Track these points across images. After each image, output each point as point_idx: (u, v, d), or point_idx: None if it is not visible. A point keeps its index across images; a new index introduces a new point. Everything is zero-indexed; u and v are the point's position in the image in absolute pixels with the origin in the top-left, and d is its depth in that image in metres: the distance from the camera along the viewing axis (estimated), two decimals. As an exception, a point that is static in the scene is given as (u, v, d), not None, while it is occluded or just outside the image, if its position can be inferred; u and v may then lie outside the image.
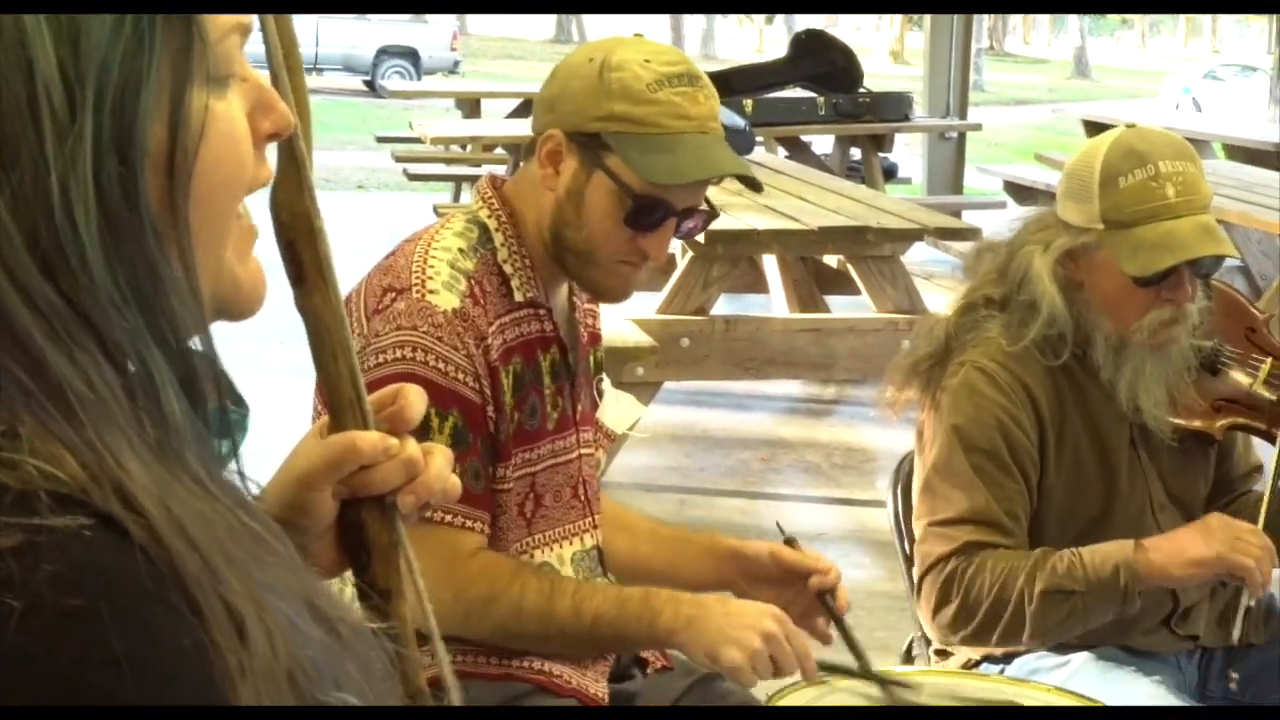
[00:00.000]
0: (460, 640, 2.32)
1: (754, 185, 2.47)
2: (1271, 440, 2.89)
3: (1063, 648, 2.77)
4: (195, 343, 0.89)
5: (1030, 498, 2.74)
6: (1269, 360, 2.91)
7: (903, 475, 3.03)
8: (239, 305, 0.97)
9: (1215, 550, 2.61)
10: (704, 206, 2.44)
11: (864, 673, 2.31)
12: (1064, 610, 2.64)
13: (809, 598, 2.44)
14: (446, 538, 2.26)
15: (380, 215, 12.06)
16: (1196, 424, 2.87)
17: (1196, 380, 2.85)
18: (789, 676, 2.25)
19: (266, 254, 1.00)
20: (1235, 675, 2.87)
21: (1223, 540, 2.62)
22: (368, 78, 29.26)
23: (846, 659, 2.31)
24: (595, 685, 2.44)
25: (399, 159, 12.53)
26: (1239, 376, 2.91)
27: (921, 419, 2.85)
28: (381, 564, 1.11)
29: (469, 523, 2.30)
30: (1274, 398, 2.89)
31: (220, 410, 0.91)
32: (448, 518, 2.27)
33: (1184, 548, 2.64)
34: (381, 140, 14.34)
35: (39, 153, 0.82)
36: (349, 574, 1.15)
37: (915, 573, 2.79)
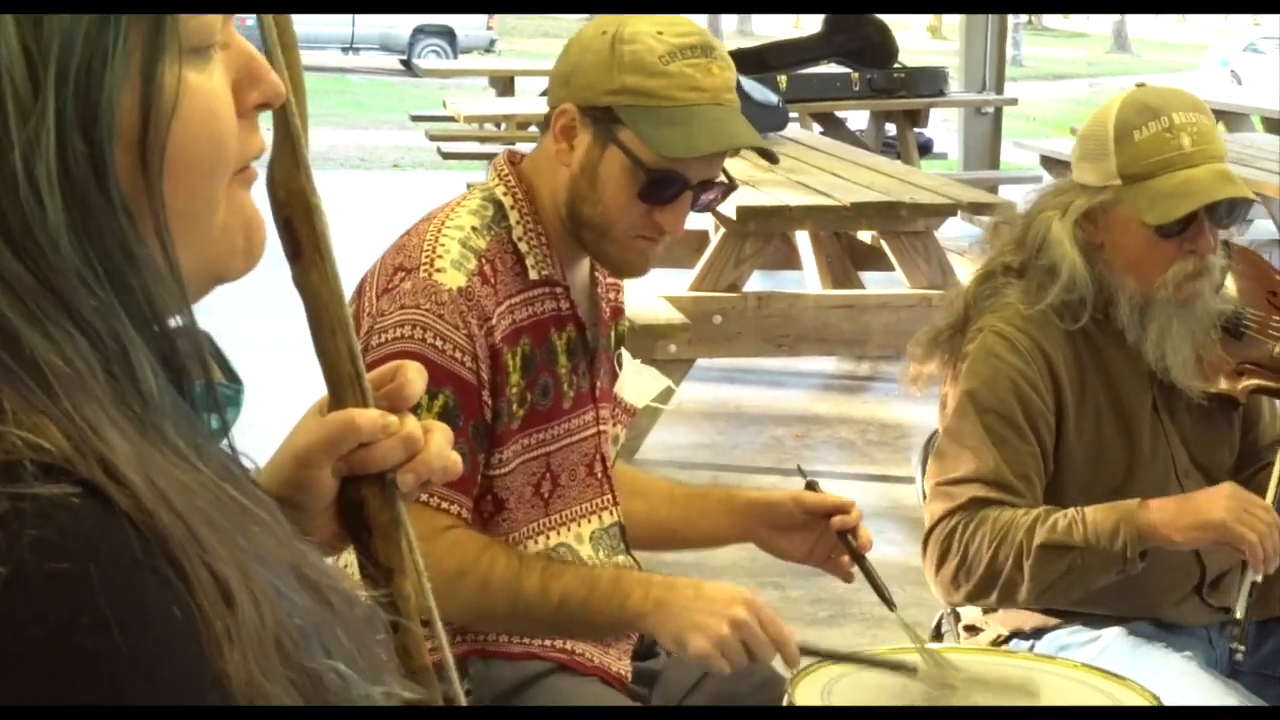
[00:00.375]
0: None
1: (769, 157, 2.45)
2: None
3: (1094, 621, 2.75)
4: (178, 320, 0.89)
5: (1045, 463, 2.72)
6: None
7: (931, 450, 3.01)
8: (235, 261, 0.96)
9: (1220, 516, 2.56)
10: (722, 179, 2.42)
11: (856, 658, 2.30)
12: (1062, 565, 2.60)
13: (832, 538, 2.44)
14: (421, 517, 2.21)
15: (416, 194, 12.06)
16: (1221, 386, 2.85)
17: (1220, 342, 2.84)
18: (767, 661, 2.22)
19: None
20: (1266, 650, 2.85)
21: (1229, 509, 2.57)
22: (404, 57, 29.23)
23: (854, 640, 2.30)
24: (618, 663, 2.43)
25: (433, 138, 12.53)
26: (1262, 339, 2.89)
27: (944, 391, 2.84)
28: (382, 542, 1.11)
29: (444, 504, 2.27)
30: None
31: (207, 386, 0.91)
32: (423, 497, 2.23)
33: (1189, 510, 2.60)
34: (416, 119, 14.34)
35: (2, 131, 0.82)
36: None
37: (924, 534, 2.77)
